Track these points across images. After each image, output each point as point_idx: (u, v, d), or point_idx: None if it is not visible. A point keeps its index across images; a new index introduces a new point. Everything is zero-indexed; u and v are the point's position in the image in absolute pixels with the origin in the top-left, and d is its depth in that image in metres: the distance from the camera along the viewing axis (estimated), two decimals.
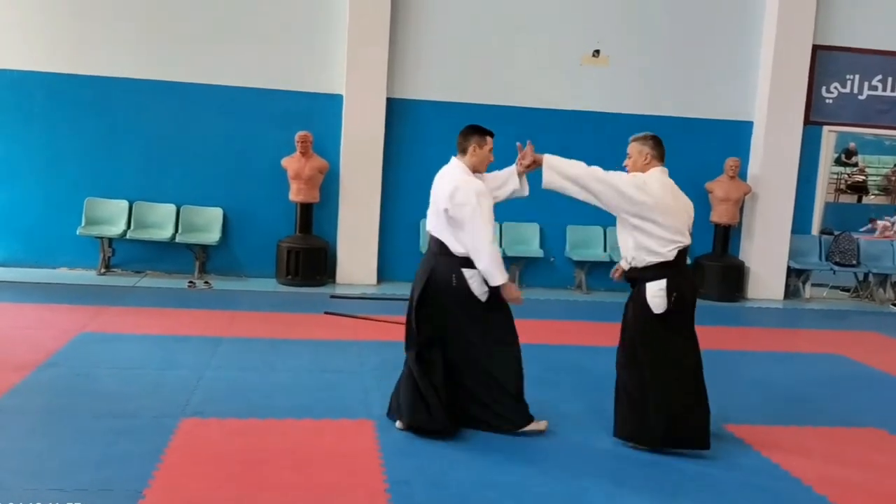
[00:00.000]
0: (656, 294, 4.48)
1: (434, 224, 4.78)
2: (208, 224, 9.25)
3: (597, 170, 4.58)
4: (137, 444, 4.28)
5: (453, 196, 4.60)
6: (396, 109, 9.41)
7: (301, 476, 4.03)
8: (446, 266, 4.67)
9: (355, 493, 3.89)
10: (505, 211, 9.77)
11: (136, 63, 9.02)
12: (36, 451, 4.15)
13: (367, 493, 3.89)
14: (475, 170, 4.75)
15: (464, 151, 4.76)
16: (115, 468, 3.96)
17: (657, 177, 4.60)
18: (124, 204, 9.12)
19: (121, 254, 9.21)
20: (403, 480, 4.04)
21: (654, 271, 4.51)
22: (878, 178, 19.11)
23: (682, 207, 4.66)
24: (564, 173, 4.57)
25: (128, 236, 8.96)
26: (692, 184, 9.61)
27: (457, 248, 4.64)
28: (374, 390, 5.35)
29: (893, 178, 18.87)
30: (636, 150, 4.70)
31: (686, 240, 4.58)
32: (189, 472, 4.01)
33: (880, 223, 14.12)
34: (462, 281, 4.64)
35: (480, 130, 4.77)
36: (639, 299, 4.57)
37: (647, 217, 4.48)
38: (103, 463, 4.02)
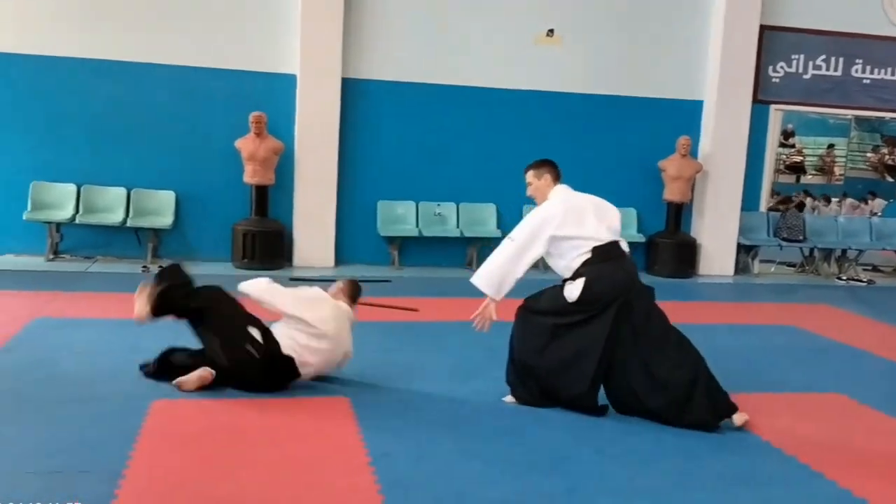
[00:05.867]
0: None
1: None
2: (160, 207, 9.04)
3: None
4: (110, 426, 4.17)
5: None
6: (351, 90, 9.32)
7: (281, 452, 3.97)
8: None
9: (338, 467, 3.86)
10: (462, 192, 9.90)
11: (82, 42, 8.75)
12: (4, 436, 4.01)
13: (350, 466, 3.86)
14: None
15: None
16: (90, 451, 3.85)
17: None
18: (72, 188, 8.86)
19: (69, 239, 8.96)
20: (385, 453, 4.01)
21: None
22: (815, 158, 19.67)
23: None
24: None
25: (76, 221, 8.70)
26: (645, 162, 9.79)
27: None
28: (347, 368, 5.30)
29: (828, 159, 19.44)
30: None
31: None
32: (167, 452, 3.92)
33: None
34: None
35: None
36: None
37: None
38: (77, 446, 3.90)
